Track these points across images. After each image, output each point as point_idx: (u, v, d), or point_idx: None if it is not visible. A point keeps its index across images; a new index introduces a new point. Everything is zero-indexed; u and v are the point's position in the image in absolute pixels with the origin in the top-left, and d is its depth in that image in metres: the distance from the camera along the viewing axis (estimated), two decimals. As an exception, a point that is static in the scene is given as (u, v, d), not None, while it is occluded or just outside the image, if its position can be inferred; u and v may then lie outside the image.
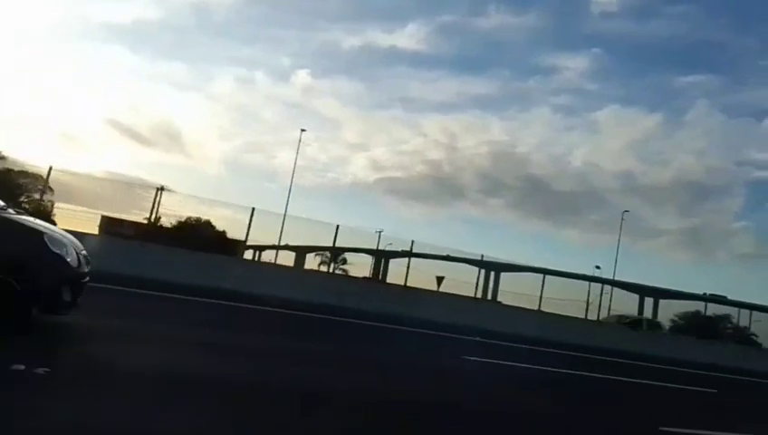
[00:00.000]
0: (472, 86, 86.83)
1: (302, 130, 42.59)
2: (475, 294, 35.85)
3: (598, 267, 39.67)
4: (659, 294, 40.96)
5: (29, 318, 4.86)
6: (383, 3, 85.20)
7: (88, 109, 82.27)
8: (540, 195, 75.41)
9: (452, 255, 35.81)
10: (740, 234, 78.12)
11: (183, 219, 27.47)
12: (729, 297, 37.18)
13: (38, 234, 4.98)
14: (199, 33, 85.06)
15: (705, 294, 39.81)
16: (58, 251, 4.94)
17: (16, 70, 69.59)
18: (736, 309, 35.14)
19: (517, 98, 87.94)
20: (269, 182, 78.96)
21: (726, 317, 34.88)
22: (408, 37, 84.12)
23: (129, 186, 25.04)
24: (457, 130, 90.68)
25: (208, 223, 29.08)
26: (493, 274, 43.70)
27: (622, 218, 43.07)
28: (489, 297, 38.95)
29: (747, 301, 35.18)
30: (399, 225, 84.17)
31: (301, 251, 43.83)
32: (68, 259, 5.00)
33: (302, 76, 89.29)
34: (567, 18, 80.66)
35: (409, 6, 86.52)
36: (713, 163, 77.17)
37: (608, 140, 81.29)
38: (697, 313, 36.32)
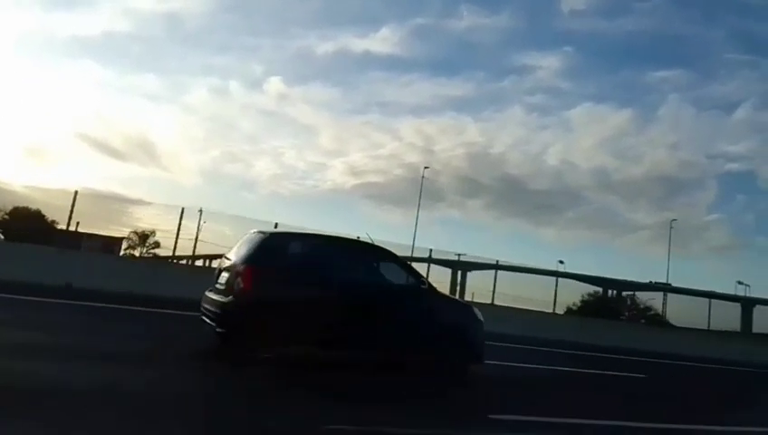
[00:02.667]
0: (447, 88, 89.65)
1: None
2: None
3: (561, 262, 44.80)
4: (608, 284, 46.52)
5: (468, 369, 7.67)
6: (356, 8, 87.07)
7: (56, 123, 79.12)
8: (516, 194, 79.46)
9: (434, 256, 39.55)
10: (713, 226, 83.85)
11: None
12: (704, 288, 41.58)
13: (469, 306, 7.86)
14: (171, 44, 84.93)
15: (650, 282, 46.02)
16: (480, 318, 7.83)
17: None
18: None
19: (492, 99, 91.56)
20: (247, 192, 79.06)
21: (628, 298, 39.27)
22: (382, 41, 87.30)
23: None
24: (433, 132, 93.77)
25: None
26: (460, 272, 47.87)
27: (422, 176, 47.59)
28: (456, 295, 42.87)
29: (689, 287, 41.13)
30: (379, 229, 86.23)
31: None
32: (483, 323, 7.91)
33: (277, 84, 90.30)
34: (538, 17, 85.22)
35: (382, 10, 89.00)
36: (685, 157, 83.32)
37: (581, 137, 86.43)
38: (596, 294, 39.57)
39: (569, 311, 33.45)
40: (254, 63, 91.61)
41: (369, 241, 8.00)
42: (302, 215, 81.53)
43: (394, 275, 7.46)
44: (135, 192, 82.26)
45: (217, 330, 6.83)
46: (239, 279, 6.75)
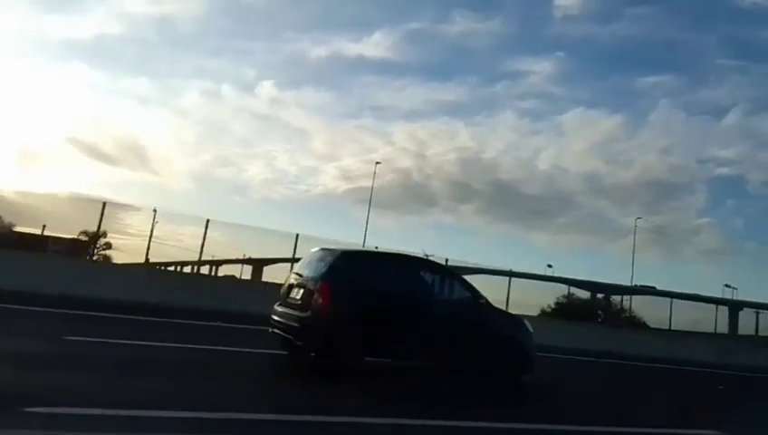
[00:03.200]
0: (439, 93, 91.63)
1: None
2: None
3: (550, 266, 45.80)
4: (595, 287, 47.72)
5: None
6: (349, 12, 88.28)
7: (48, 127, 78.39)
8: (508, 199, 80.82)
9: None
10: (703, 230, 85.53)
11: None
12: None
13: (521, 319, 8.44)
14: (163, 47, 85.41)
15: (635, 285, 47.36)
16: (531, 330, 8.40)
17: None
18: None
19: (484, 103, 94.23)
20: (239, 196, 78.88)
21: (603, 300, 40.27)
22: (375, 45, 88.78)
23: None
24: (426, 137, 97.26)
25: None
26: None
27: (374, 172, 49.24)
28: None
29: (675, 290, 42.34)
30: (372, 234, 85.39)
31: (258, 264, 45.96)
32: (533, 334, 8.48)
33: (269, 88, 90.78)
34: (531, 23, 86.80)
35: (376, 15, 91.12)
36: (675, 161, 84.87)
37: (573, 142, 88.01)
38: (571, 296, 39.58)
39: (542, 313, 33.34)
40: (246, 67, 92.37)
41: (426, 258, 8.55)
42: (294, 219, 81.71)
43: (454, 291, 8.01)
44: (125, 197, 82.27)
45: (296, 343, 7.30)
46: (317, 295, 7.23)
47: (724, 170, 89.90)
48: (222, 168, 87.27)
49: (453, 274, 8.31)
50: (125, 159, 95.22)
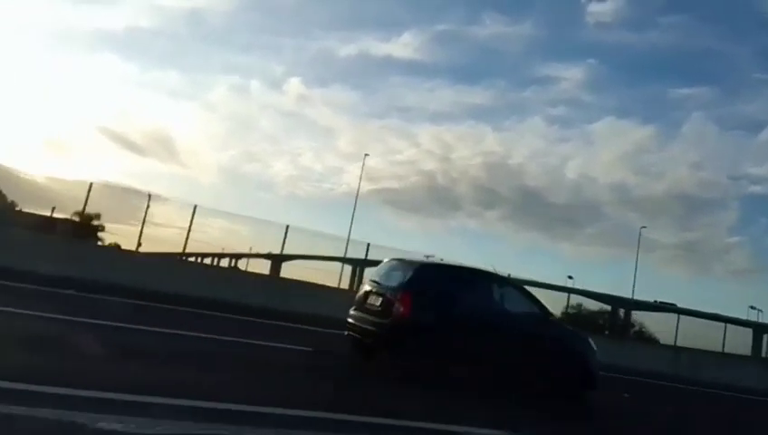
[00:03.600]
0: (467, 96, 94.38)
1: None
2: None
3: (570, 277, 45.70)
4: (616, 301, 47.69)
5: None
6: (378, 11, 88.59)
7: (79, 117, 79.65)
8: (534, 207, 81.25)
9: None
10: (734, 249, 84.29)
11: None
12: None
13: (586, 337, 8.64)
14: (193, 41, 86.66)
15: (655, 301, 47.19)
16: (595, 348, 8.61)
17: (5, 76, 65.82)
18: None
19: (513, 108, 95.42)
20: (264, 192, 79.13)
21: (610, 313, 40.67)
22: (404, 46, 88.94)
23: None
24: (451, 140, 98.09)
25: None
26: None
27: (363, 163, 49.82)
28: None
29: (695, 308, 42.13)
30: (394, 236, 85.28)
31: (276, 259, 46.44)
32: (597, 352, 8.68)
33: (297, 85, 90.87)
34: (562, 28, 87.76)
35: (405, 15, 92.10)
36: (707, 177, 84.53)
37: (602, 151, 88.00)
38: (580, 307, 39.96)
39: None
40: (274, 63, 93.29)
41: (497, 273, 8.80)
42: (318, 217, 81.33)
43: (526, 306, 8.24)
44: (153, 187, 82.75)
45: (373, 347, 7.64)
46: (397, 304, 7.50)
47: (757, 188, 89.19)
48: (248, 163, 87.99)
49: (524, 290, 8.55)
50: (154, 151, 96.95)
